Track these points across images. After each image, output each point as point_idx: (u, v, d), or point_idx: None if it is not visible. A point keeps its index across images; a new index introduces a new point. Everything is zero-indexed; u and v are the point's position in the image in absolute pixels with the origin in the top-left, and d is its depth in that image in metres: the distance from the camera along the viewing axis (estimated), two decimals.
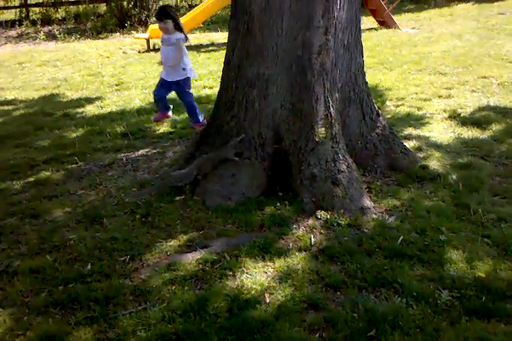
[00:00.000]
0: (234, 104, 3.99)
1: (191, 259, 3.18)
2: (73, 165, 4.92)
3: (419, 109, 6.47)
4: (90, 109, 7.02)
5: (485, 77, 7.87)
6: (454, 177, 4.30)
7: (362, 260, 3.15)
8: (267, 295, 2.86)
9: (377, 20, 13.72)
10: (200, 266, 3.12)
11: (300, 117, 3.90)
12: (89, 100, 7.54)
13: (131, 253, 3.27)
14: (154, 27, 12.15)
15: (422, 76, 8.22)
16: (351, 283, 2.95)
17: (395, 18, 13.82)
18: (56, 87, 8.58)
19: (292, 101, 3.92)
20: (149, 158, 4.90)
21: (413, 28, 13.82)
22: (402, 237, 3.38)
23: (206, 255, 3.21)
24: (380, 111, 4.55)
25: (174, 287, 2.94)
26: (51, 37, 14.89)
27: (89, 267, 3.15)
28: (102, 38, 14.74)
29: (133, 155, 5.04)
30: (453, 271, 3.05)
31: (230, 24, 4.12)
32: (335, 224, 3.56)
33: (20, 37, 15.64)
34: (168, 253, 3.27)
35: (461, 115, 6.08)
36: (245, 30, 3.90)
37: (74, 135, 5.88)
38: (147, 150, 5.19)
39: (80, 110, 7.03)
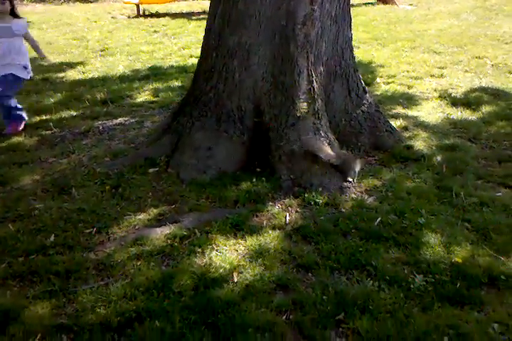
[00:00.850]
0: (213, 74, 3.80)
1: (160, 234, 3.06)
2: (47, 132, 4.73)
3: (409, 87, 6.31)
4: (71, 74, 6.79)
5: (479, 58, 7.69)
6: (439, 158, 4.18)
7: (337, 241, 3.04)
8: (235, 274, 2.75)
9: None
10: (169, 241, 3.00)
11: (282, 90, 3.73)
12: (72, 65, 7.29)
13: (97, 225, 3.13)
14: None
15: (416, 54, 8.03)
16: (323, 264, 2.85)
17: None
18: None
19: (274, 74, 3.74)
20: (126, 128, 4.72)
21: (410, 5, 13.52)
22: (379, 218, 3.27)
23: (176, 230, 3.08)
24: (366, 88, 4.38)
25: (139, 262, 2.82)
26: None
27: (52, 238, 3.02)
28: (92, 2, 14.29)
29: (110, 124, 4.86)
30: (429, 256, 2.95)
31: None
32: (312, 203, 3.44)
33: None
34: (137, 227, 3.14)
35: (452, 95, 5.93)
36: None
37: (52, 100, 5.67)
38: (125, 118, 5.00)
39: (60, 75, 6.79)
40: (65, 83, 6.37)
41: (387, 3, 13.00)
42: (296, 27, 3.64)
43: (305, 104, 3.69)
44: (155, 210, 3.30)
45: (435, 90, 6.18)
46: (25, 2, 13.95)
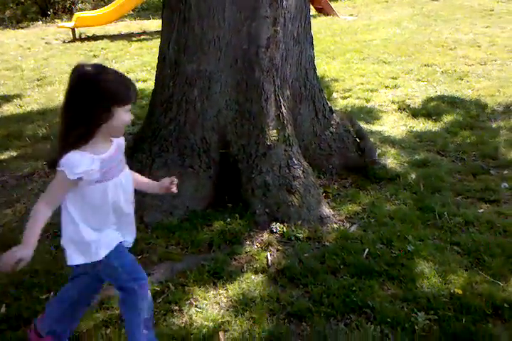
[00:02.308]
0: (172, 105, 3.48)
1: None
2: None
3: (367, 100, 6.20)
4: (7, 109, 6.27)
5: (428, 65, 7.73)
6: (414, 176, 4.02)
7: (327, 281, 2.77)
8: (221, 333, 2.42)
9: (315, 7, 13.42)
10: None
11: (248, 118, 3.45)
12: (7, 98, 6.75)
13: (55, 288, 2.72)
14: (80, 15, 11.31)
15: (366, 65, 7.99)
16: (317, 311, 2.57)
17: (332, 4, 13.59)
18: None
19: (239, 101, 3.46)
20: None
21: (351, 15, 13.66)
22: (367, 250, 3.04)
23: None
24: (333, 108, 4.18)
25: (109, 331, 2.44)
26: None
27: (3, 309, 2.59)
28: (23, 28, 13.64)
29: None
30: (427, 288, 2.73)
31: (163, 14, 3.60)
32: (293, 238, 3.17)
33: None
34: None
35: (411, 106, 5.86)
36: (181, 21, 3.39)
37: None
38: None
39: None
40: (1, 119, 5.85)
41: (328, 15, 13.06)
42: (260, 50, 3.39)
43: (274, 131, 3.44)
44: None
45: (393, 102, 6.09)
46: None
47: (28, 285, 2.76)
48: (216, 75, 3.40)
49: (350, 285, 2.73)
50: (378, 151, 4.48)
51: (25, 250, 1.87)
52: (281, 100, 3.51)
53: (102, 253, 2.02)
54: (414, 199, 3.66)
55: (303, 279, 2.80)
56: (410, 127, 5.23)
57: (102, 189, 1.97)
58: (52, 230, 3.22)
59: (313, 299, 2.65)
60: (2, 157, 4.69)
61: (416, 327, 2.46)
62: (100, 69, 1.89)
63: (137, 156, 3.59)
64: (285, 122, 3.50)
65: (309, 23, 3.94)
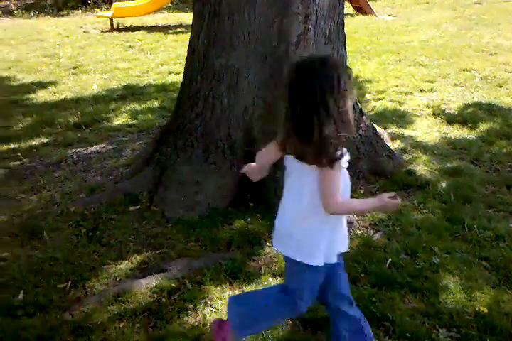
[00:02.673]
0: (199, 100, 3.45)
1: (145, 287, 2.67)
2: (16, 163, 4.31)
3: (400, 103, 6.05)
4: (42, 95, 6.35)
5: (467, 70, 7.50)
6: (444, 185, 3.88)
7: None
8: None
9: (353, 6, 13.23)
10: (155, 296, 2.62)
11: (275, 117, 3.38)
12: (42, 85, 6.85)
13: (73, 278, 2.73)
14: (119, 5, 11.39)
15: (402, 67, 7.81)
16: None
17: (370, 3, 13.36)
18: (7, 69, 7.83)
19: (266, 99, 3.40)
20: (103, 156, 4.32)
21: (390, 16, 13.41)
22: (390, 259, 2.94)
23: (163, 282, 2.70)
24: (363, 110, 4.08)
25: (122, 324, 2.43)
26: (7, 13, 13.88)
27: (21, 296, 2.61)
28: (63, 16, 13.84)
29: (85, 152, 4.45)
30: (450, 304, 2.63)
31: (194, 7, 3.56)
32: None
33: None
34: (118, 279, 2.75)
35: (446, 112, 5.68)
36: (212, 15, 3.34)
37: (20, 125, 5.23)
38: (102, 145, 4.60)
39: (30, 96, 6.35)
40: (36, 105, 5.93)
41: (366, 14, 12.84)
42: (290, 48, 3.31)
43: None
44: (138, 257, 2.92)
45: (427, 106, 5.93)
46: None
47: (46, 273, 2.77)
48: (244, 71, 3.35)
49: (370, 295, 2.65)
50: (409, 157, 4.36)
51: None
52: None
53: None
54: (443, 209, 3.53)
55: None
56: (444, 133, 5.07)
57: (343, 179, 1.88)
58: (75, 219, 3.23)
59: None
60: (33, 143, 4.75)
61: None
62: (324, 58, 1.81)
63: (162, 149, 3.57)
64: None
65: (342, 21, 3.83)
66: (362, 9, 12.94)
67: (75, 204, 3.40)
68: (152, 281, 2.70)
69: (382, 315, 2.52)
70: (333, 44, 3.67)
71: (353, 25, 11.67)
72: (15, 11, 13.58)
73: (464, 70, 7.50)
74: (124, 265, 2.85)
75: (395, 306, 2.59)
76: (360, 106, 4.02)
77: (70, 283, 2.70)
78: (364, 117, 4.02)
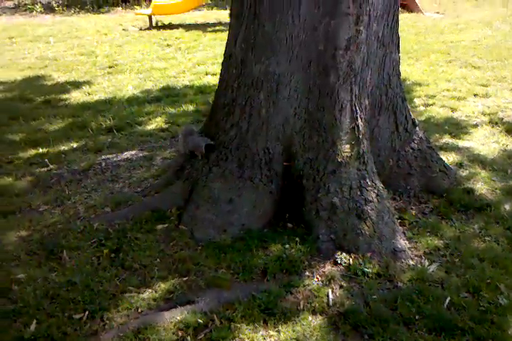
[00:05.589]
0: (235, 109, 3.13)
1: (168, 322, 2.38)
2: (42, 169, 4.10)
3: (453, 110, 5.59)
4: (76, 96, 6.17)
5: None
6: (508, 207, 3.45)
7: (398, 334, 2.34)
8: None
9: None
10: (180, 333, 2.32)
11: (318, 130, 3.04)
12: (77, 84, 6.68)
13: (91, 307, 2.46)
14: (158, 2, 11.21)
15: (453, 69, 7.31)
16: None
17: (416, 0, 12.76)
18: (43, 67, 7.71)
19: (309, 109, 3.06)
20: (133, 165, 4.06)
21: (437, 13, 12.80)
22: (449, 298, 2.56)
23: (189, 316, 2.40)
24: (416, 120, 3.68)
25: None
26: (49, 9, 13.91)
27: (33, 327, 2.35)
28: (103, 13, 13.76)
29: (114, 159, 4.20)
30: None
31: (232, 6, 3.24)
32: (359, 273, 2.74)
33: (16, 8, 14.66)
34: (140, 310, 2.47)
35: (504, 120, 5.20)
36: (252, 16, 3.01)
37: (51, 128, 5.04)
38: (132, 152, 4.34)
39: (64, 96, 6.17)
40: (68, 107, 5.74)
41: (412, 12, 12.28)
42: (338, 53, 2.95)
43: (347, 146, 3.00)
44: (163, 285, 2.62)
45: (483, 114, 5.45)
46: (33, 13, 13.47)
47: (63, 300, 2.51)
48: (286, 78, 3.01)
49: None
50: (466, 172, 3.93)
51: None
52: (358, 111, 3.06)
53: None
54: (509, 238, 3.11)
55: (369, 328, 2.37)
56: (503, 145, 4.60)
57: None
58: (98, 238, 2.98)
59: None
60: (63, 148, 4.54)
61: None
62: None
63: (193, 162, 3.27)
64: (360, 136, 3.06)
65: (397, 22, 3.45)
66: (407, 6, 12.37)
67: (99, 219, 3.15)
68: (177, 315, 2.41)
69: None
70: (385, 48, 3.30)
71: (399, 23, 11.15)
72: (56, 8, 13.58)
73: None
74: (147, 294, 2.56)
75: None
76: (412, 117, 3.62)
77: (87, 313, 2.43)
78: (417, 129, 3.62)
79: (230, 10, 3.31)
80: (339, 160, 2.99)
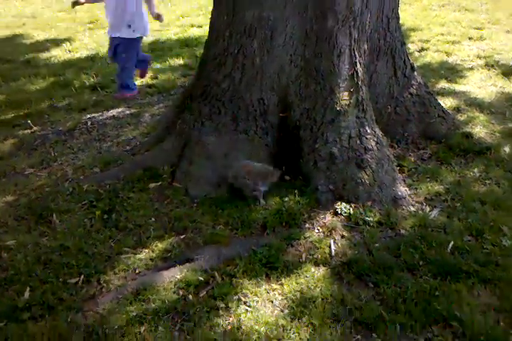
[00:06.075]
0: (227, 59, 2.95)
1: (168, 281, 2.31)
2: (26, 131, 3.94)
3: (448, 54, 5.42)
4: (57, 54, 5.91)
5: None
6: (508, 149, 3.37)
7: (403, 280, 2.30)
8: None
9: None
10: (181, 292, 2.26)
11: (316, 77, 2.88)
12: (57, 42, 6.40)
13: (86, 271, 2.38)
14: None
15: (446, 13, 7.07)
16: (391, 320, 2.11)
17: None
18: (21, 26, 7.38)
19: (306, 56, 2.89)
20: (120, 123, 3.90)
21: None
22: (452, 243, 2.51)
23: (189, 274, 2.33)
24: (415, 65, 3.52)
25: (143, 328, 2.09)
26: None
27: (27, 295, 2.27)
28: None
29: (100, 118, 4.04)
30: None
31: None
32: (361, 222, 2.68)
33: None
34: (137, 271, 2.40)
35: (500, 63, 5.05)
36: None
37: (33, 88, 4.84)
38: (118, 110, 4.18)
39: (44, 55, 5.91)
40: (49, 65, 5.50)
41: None
42: None
43: (346, 93, 2.86)
44: (160, 244, 2.54)
45: (478, 57, 5.29)
46: None
47: (56, 265, 2.42)
48: (280, 24, 2.82)
49: (431, 288, 2.25)
50: (464, 117, 3.82)
51: None
52: (357, 56, 2.90)
53: None
54: (509, 180, 3.05)
55: (373, 276, 2.33)
56: (501, 88, 4.49)
57: None
58: (89, 199, 2.87)
59: (386, 304, 2.19)
60: (46, 108, 4.36)
61: None
62: None
63: (184, 117, 3.12)
64: (359, 83, 2.91)
65: None
66: None
67: (89, 180, 3.03)
68: (176, 274, 2.34)
69: (448, 312, 2.13)
70: None
71: None
72: None
73: None
74: (143, 254, 2.48)
75: (463, 301, 2.19)
76: (411, 61, 3.46)
77: (82, 277, 2.35)
78: (415, 73, 3.48)
79: None
80: (338, 108, 2.85)
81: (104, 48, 6.00)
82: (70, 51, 6.03)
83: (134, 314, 2.13)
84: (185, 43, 6.04)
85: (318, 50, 2.84)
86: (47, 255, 2.48)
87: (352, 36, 2.83)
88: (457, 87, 4.46)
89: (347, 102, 2.85)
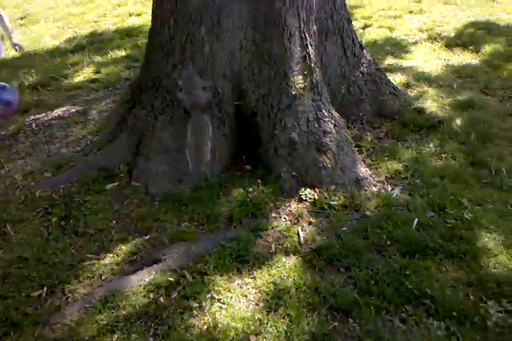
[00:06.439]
0: (174, 48, 2.84)
1: (137, 285, 2.24)
2: None
3: (391, 29, 5.47)
4: None
5: None
6: (459, 122, 3.44)
7: (373, 262, 2.31)
8: (252, 338, 1.99)
9: None
10: (151, 295, 2.19)
11: (268, 62, 2.82)
12: None
13: (48, 282, 2.28)
14: None
15: None
16: (366, 303, 2.12)
17: None
18: None
19: (256, 41, 2.82)
20: (66, 122, 3.73)
21: None
22: (417, 220, 2.54)
23: (158, 276, 2.27)
24: (363, 42, 3.52)
25: (116, 336, 2.01)
26: None
27: None
28: None
29: (45, 118, 3.85)
30: (493, 268, 2.27)
31: None
32: (326, 207, 2.67)
33: None
34: (103, 277, 2.31)
35: (442, 35, 5.13)
36: None
37: None
38: (63, 109, 3.99)
39: None
40: None
41: None
42: None
43: (300, 76, 2.82)
44: (124, 247, 2.45)
45: (420, 30, 5.36)
46: None
47: (16, 278, 2.30)
48: (227, 8, 2.73)
49: (402, 267, 2.27)
50: (414, 92, 3.87)
51: None
52: (308, 37, 2.85)
53: None
54: (464, 152, 3.11)
55: (344, 260, 2.33)
56: (445, 60, 4.57)
57: None
58: (43, 206, 2.73)
59: (359, 287, 2.20)
60: None
61: (488, 323, 2.01)
62: None
63: (137, 112, 3.01)
64: (312, 65, 2.87)
65: None
66: None
67: (41, 186, 2.88)
68: (145, 277, 2.27)
69: (420, 291, 2.16)
70: None
71: None
72: None
73: None
74: (108, 259, 2.39)
75: (432, 278, 2.23)
76: (359, 39, 3.45)
77: (45, 288, 2.24)
78: (364, 51, 3.47)
79: None
80: (293, 92, 2.81)
81: (39, 44, 5.73)
82: (6, 49, 5.69)
83: (105, 322, 2.05)
84: (126, 33, 5.83)
85: (268, 33, 2.78)
86: (5, 269, 2.36)
87: (301, 17, 2.78)
88: (404, 63, 4.50)
89: (302, 86, 2.81)
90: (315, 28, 2.95)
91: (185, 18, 2.76)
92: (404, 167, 3.00)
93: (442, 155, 3.11)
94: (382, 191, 2.80)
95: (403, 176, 2.93)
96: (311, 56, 2.84)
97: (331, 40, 3.22)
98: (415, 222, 2.54)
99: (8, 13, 7.20)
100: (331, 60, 3.27)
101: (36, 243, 2.49)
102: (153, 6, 2.99)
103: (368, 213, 2.64)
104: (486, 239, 2.43)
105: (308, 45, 2.83)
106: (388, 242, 2.44)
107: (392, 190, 2.80)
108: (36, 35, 6.05)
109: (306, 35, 2.82)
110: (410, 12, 6.02)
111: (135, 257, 2.40)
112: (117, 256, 2.41)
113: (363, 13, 6.03)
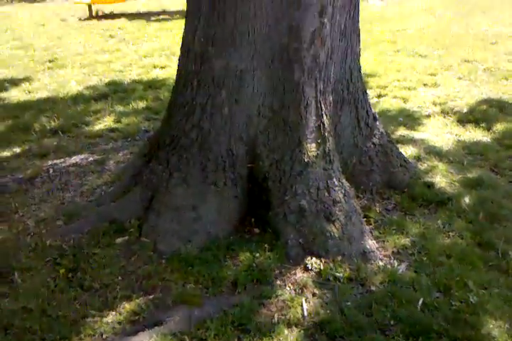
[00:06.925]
0: (195, 109, 2.96)
1: None
2: None
3: (405, 100, 5.64)
4: (15, 95, 5.78)
5: (468, 61, 7.13)
6: (468, 200, 3.48)
7: None
8: None
9: None
10: None
11: (284, 129, 2.93)
12: (15, 81, 6.27)
13: (50, 337, 2.27)
14: None
15: (401, 58, 7.39)
16: None
17: None
18: None
19: (273, 107, 2.94)
20: (83, 171, 3.82)
21: (380, 0, 12.92)
22: (422, 300, 2.54)
23: (158, 339, 2.25)
24: (376, 114, 3.64)
25: None
26: None
27: None
28: (38, 1, 13.06)
29: (63, 165, 3.94)
30: None
31: None
32: (331, 278, 2.68)
33: None
34: (104, 336, 2.30)
35: (455, 110, 5.28)
36: (210, 8, 2.85)
37: None
38: (81, 156, 4.09)
39: (1, 95, 5.77)
40: (7, 107, 5.36)
41: None
42: (302, 47, 2.84)
43: (314, 144, 2.91)
44: (127, 305, 2.46)
45: (434, 104, 5.52)
46: None
47: (18, 330, 2.30)
48: (248, 75, 2.87)
49: None
50: (424, 166, 3.95)
51: None
52: (323, 107, 2.97)
53: None
54: (472, 232, 3.14)
55: (347, 338, 2.32)
56: (457, 136, 4.68)
57: None
58: (52, 256, 2.76)
59: None
60: (3, 153, 4.22)
61: None
62: None
63: (153, 167, 3.09)
64: (326, 134, 2.98)
65: (358, 12, 3.36)
66: None
67: (52, 234, 2.92)
68: (145, 338, 2.26)
69: None
70: (347, 40, 3.23)
71: None
72: None
73: (465, 61, 7.12)
74: (110, 317, 2.39)
75: None
76: (373, 111, 3.58)
77: None
78: (377, 123, 3.59)
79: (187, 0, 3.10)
80: (306, 160, 2.89)
81: (64, 89, 5.95)
82: (29, 92, 5.91)
83: None
84: (149, 85, 6.04)
85: (286, 101, 2.90)
86: (8, 319, 2.35)
87: (318, 88, 2.91)
88: (416, 135, 4.62)
89: (315, 154, 2.90)
90: (331, 98, 3.08)
91: (208, 81, 2.90)
92: (412, 242, 3.03)
93: (450, 233, 3.14)
94: (388, 266, 2.81)
95: (410, 252, 2.95)
96: (326, 125, 2.95)
97: (345, 111, 3.34)
98: (420, 301, 2.53)
99: (37, 55, 7.56)
100: (344, 130, 3.38)
101: (42, 294, 2.50)
102: (178, 66, 3.14)
103: (373, 288, 2.64)
104: (491, 326, 2.41)
105: (324, 114, 2.95)
106: (392, 322, 2.42)
107: (398, 265, 2.82)
108: (63, 80, 6.28)
109: (322, 105, 2.94)
110: (425, 85, 6.22)
111: (137, 317, 2.39)
112: (120, 314, 2.41)
113: (378, 82, 6.24)
